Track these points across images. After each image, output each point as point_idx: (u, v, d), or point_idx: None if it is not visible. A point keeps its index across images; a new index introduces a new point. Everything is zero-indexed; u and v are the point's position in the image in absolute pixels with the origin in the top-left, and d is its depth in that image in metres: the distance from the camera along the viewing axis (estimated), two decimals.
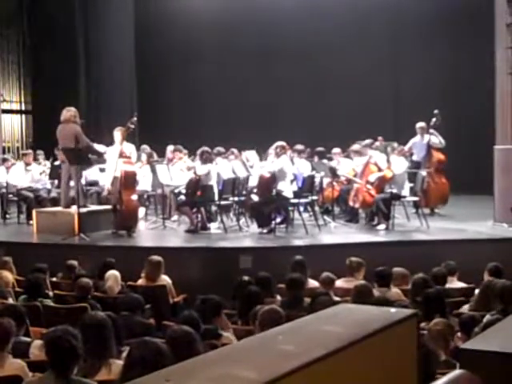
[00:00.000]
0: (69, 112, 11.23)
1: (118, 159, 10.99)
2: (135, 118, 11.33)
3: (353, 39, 16.21)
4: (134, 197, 10.99)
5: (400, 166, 11.25)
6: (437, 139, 12.59)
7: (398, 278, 7.77)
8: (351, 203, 11.82)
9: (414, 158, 12.67)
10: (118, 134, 11.38)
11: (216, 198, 11.20)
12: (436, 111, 12.45)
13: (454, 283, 7.80)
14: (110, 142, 11.67)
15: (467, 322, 5.46)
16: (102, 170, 12.10)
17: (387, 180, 11.20)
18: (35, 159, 13.68)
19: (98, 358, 4.51)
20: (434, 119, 12.52)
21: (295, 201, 11.14)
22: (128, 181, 10.89)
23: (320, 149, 13.07)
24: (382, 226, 11.05)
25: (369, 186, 11.41)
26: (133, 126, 11.26)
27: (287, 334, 2.00)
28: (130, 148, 11.56)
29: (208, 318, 5.68)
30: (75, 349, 4.15)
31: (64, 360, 4.11)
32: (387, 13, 16.35)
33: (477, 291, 6.85)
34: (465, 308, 6.49)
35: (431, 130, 12.59)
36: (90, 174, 12.74)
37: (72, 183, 11.20)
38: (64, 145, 11.00)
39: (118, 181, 10.87)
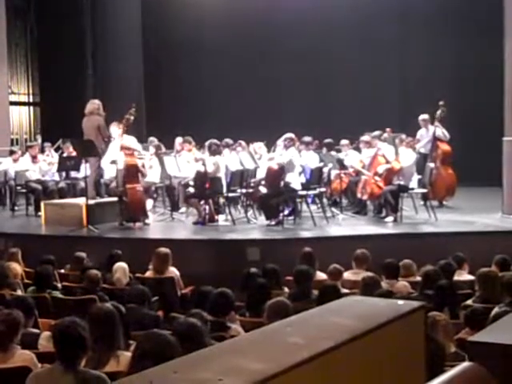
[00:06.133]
0: (92, 105, 11.35)
1: (119, 152, 11.03)
2: (134, 109, 11.29)
3: (359, 31, 16.17)
4: (139, 188, 10.99)
5: (408, 157, 11.22)
6: (441, 132, 12.53)
7: (405, 270, 7.77)
8: (359, 195, 11.81)
9: (422, 150, 12.61)
10: (115, 128, 11.43)
11: (224, 190, 11.21)
12: (441, 102, 12.39)
13: (464, 276, 7.76)
14: None
15: (472, 315, 5.44)
16: (113, 163, 12.05)
17: (395, 172, 11.18)
18: (42, 151, 13.71)
19: (106, 350, 4.52)
20: (438, 111, 12.46)
21: (303, 193, 11.14)
22: (130, 173, 10.91)
23: (328, 140, 13.05)
24: (390, 218, 11.03)
25: (377, 178, 11.39)
26: (132, 118, 11.22)
27: (295, 326, 2.00)
28: (130, 140, 11.55)
29: (222, 313, 5.66)
30: (83, 339, 4.16)
31: (72, 350, 4.12)
32: (393, 4, 16.28)
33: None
34: (469, 302, 6.47)
35: (436, 123, 12.53)
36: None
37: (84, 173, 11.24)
38: (87, 136, 11.10)
39: (122, 173, 10.91)
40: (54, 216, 11.06)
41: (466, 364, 1.78)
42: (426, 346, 2.22)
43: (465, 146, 13.66)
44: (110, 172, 11.94)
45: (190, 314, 5.46)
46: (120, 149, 11.05)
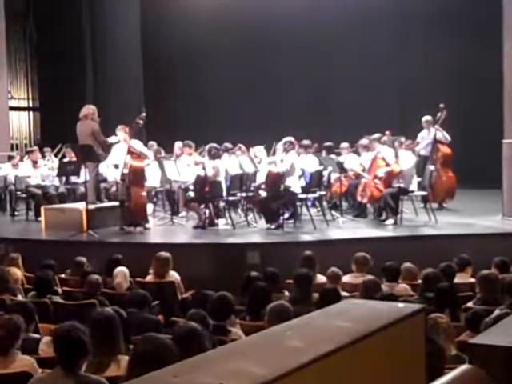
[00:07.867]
0: (87, 109, 11.37)
1: (126, 155, 11.04)
2: (144, 114, 11.35)
3: (358, 33, 16.19)
4: (143, 193, 11.00)
5: (408, 160, 11.22)
6: (442, 134, 12.52)
7: (406, 273, 7.76)
8: (359, 198, 11.80)
9: (422, 152, 12.61)
10: (121, 133, 11.43)
11: (224, 193, 11.21)
12: (442, 105, 12.39)
13: (467, 279, 7.72)
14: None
15: (473, 317, 5.44)
16: (116, 167, 12.01)
17: (395, 175, 11.18)
18: (43, 156, 13.72)
19: (106, 354, 4.52)
20: (439, 114, 12.46)
21: (303, 196, 11.14)
22: (137, 177, 10.91)
23: (328, 143, 13.05)
24: (390, 221, 11.02)
25: (377, 181, 11.38)
26: (141, 122, 11.26)
27: (295, 330, 2.00)
28: (138, 144, 11.58)
29: (222, 317, 5.66)
30: (84, 343, 4.16)
31: (72, 355, 4.11)
32: (393, 5, 16.29)
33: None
34: (470, 304, 6.46)
35: (436, 126, 12.53)
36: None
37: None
38: (82, 142, 11.11)
39: (127, 177, 10.91)
40: (54, 221, 11.06)
41: (465, 366, 1.78)
42: (426, 348, 2.22)
43: (464, 147, 13.65)
44: (112, 175, 11.93)
45: (191, 313, 5.46)
46: (128, 152, 11.06)
